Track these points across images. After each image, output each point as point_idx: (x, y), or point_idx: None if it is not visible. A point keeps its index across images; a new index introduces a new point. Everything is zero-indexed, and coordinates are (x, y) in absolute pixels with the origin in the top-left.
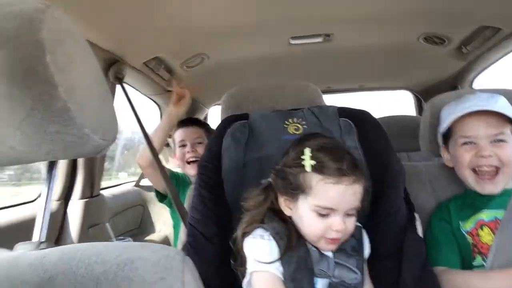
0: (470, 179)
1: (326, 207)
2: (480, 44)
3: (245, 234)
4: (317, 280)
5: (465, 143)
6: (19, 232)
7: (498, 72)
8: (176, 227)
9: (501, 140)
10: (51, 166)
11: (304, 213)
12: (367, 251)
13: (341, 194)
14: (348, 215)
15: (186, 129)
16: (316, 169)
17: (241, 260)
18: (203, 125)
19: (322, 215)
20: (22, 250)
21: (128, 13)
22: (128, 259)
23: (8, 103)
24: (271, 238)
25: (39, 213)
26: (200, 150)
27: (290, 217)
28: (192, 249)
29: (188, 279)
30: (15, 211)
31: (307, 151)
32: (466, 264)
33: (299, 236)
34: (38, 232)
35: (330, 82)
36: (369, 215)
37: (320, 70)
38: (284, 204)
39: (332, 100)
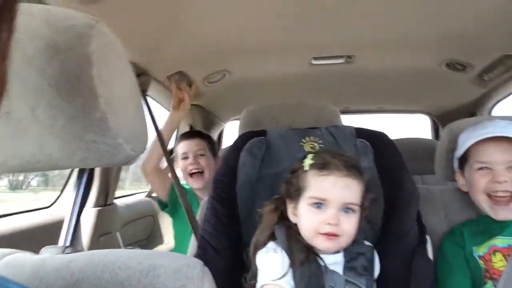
0: (484, 204)
1: (318, 197)
2: (501, 73)
3: (258, 246)
4: None
5: (481, 168)
6: (32, 237)
7: None
8: (178, 237)
9: None
10: (81, 173)
11: (302, 210)
12: (377, 271)
13: (332, 184)
14: (344, 212)
15: (188, 141)
16: (313, 166)
17: (253, 273)
18: (206, 137)
19: (317, 208)
20: (48, 253)
21: (154, 27)
22: (151, 266)
23: (51, 111)
24: (284, 252)
25: (66, 218)
26: (203, 162)
27: (295, 224)
28: (202, 261)
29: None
30: (29, 216)
31: (309, 155)
32: None
33: (309, 250)
34: (63, 237)
35: (349, 103)
36: (380, 235)
37: (340, 91)
38: (291, 212)
39: (349, 120)
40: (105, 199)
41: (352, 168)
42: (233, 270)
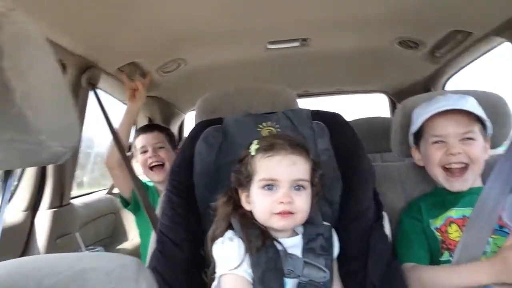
0: (440, 177)
1: (268, 178)
2: (452, 48)
3: (215, 237)
4: (286, 281)
5: (435, 142)
6: None
7: (470, 75)
8: (142, 235)
9: (470, 138)
10: (7, 175)
11: (254, 195)
12: (336, 250)
13: (279, 163)
14: (296, 190)
15: (146, 134)
16: (259, 150)
17: (213, 267)
18: (164, 129)
19: (268, 190)
20: None
21: (101, 17)
22: (81, 270)
23: None
24: (240, 240)
25: None
26: (162, 154)
27: (250, 212)
28: (161, 255)
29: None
30: None
31: (254, 141)
32: (434, 259)
33: (265, 235)
34: None
35: (308, 86)
36: (339, 215)
37: (298, 74)
38: (244, 201)
39: (311, 103)
40: (60, 200)
41: (296, 146)
42: (194, 263)
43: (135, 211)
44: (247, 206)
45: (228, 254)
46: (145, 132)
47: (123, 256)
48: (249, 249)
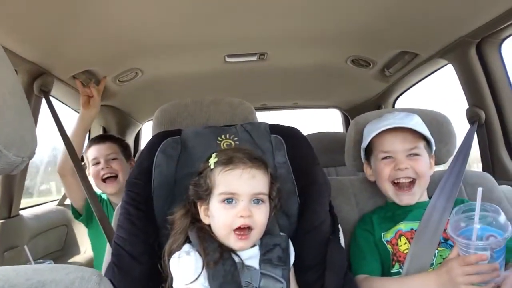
0: (390, 191)
1: (228, 192)
2: (400, 68)
3: (172, 251)
4: None
5: (384, 158)
6: None
7: (418, 94)
8: (95, 248)
9: (416, 154)
10: None
11: (214, 209)
12: (292, 258)
13: (239, 177)
14: (255, 204)
15: (99, 145)
16: (218, 163)
17: (170, 281)
18: (117, 140)
19: (228, 204)
20: None
21: (55, 24)
22: (39, 282)
23: None
24: (197, 253)
25: None
26: (115, 166)
27: (209, 225)
28: (117, 269)
29: None
30: None
31: (213, 154)
32: (386, 271)
33: (222, 248)
34: None
35: (265, 100)
36: (296, 227)
37: (256, 88)
38: (203, 214)
39: (270, 117)
40: (8, 211)
41: (255, 160)
42: (151, 277)
43: (88, 222)
44: (205, 220)
45: (185, 268)
46: (97, 143)
47: (82, 268)
48: (207, 262)
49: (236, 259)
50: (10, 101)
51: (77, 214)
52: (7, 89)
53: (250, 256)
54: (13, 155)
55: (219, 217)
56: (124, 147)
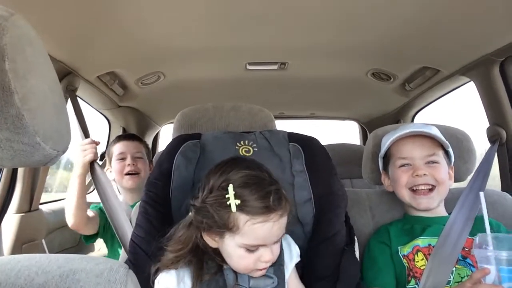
0: (407, 197)
1: (255, 245)
2: (421, 83)
3: (163, 267)
4: None
5: (402, 165)
6: None
7: (438, 110)
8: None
9: (435, 162)
10: None
11: (232, 250)
12: (295, 256)
13: (269, 231)
14: (274, 242)
15: (128, 142)
16: (242, 209)
17: None
18: (143, 141)
19: (250, 252)
20: None
21: (84, 25)
22: (70, 271)
23: None
24: (184, 266)
25: None
26: (140, 164)
27: (216, 249)
28: (133, 266)
29: None
30: None
31: (231, 189)
32: (401, 286)
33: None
34: None
35: (283, 108)
36: (311, 236)
37: (274, 96)
38: (209, 238)
39: (284, 125)
40: (29, 205)
41: (282, 201)
42: None
43: (106, 238)
44: (212, 244)
45: (168, 283)
46: (126, 139)
47: (111, 260)
48: (201, 275)
49: (225, 267)
50: (50, 97)
51: (88, 239)
52: (47, 86)
53: None
54: (50, 148)
55: (240, 260)
56: (148, 149)
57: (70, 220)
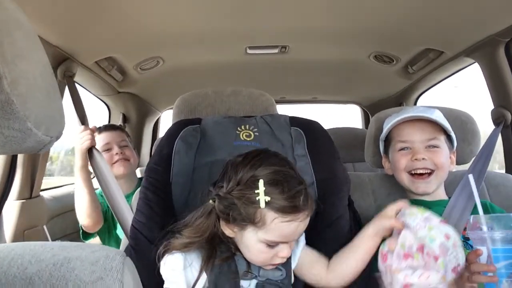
0: (405, 180)
1: (277, 241)
2: (424, 65)
3: (169, 251)
4: (244, 282)
5: (402, 149)
6: None
7: (441, 93)
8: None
9: (435, 146)
10: None
11: (252, 243)
12: (301, 243)
13: (295, 229)
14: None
15: (111, 132)
16: (271, 206)
17: None
18: (124, 130)
19: (270, 247)
20: None
21: (80, 9)
22: (65, 259)
23: None
24: (194, 250)
25: None
26: (128, 152)
27: (232, 238)
28: (134, 252)
29: (127, 279)
30: None
31: (261, 185)
32: None
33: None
34: None
35: (285, 93)
36: (313, 220)
37: (275, 80)
38: (227, 227)
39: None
40: (30, 191)
41: (308, 201)
42: None
43: (107, 230)
44: (229, 233)
45: (174, 264)
46: (108, 130)
47: (107, 248)
48: (211, 259)
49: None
50: (40, 82)
51: (87, 236)
52: (38, 70)
53: None
54: (42, 134)
55: (258, 254)
56: (130, 138)
57: (84, 221)
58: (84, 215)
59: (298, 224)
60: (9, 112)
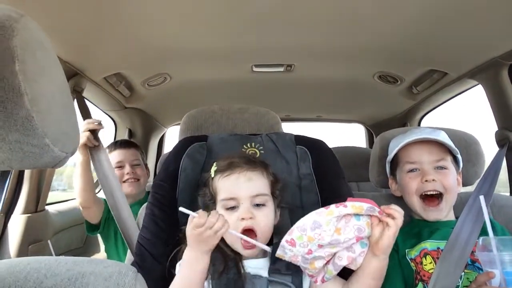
0: (417, 206)
1: (228, 197)
2: (428, 86)
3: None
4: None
5: (411, 170)
6: None
7: (445, 113)
8: (108, 250)
9: (443, 167)
10: (5, 176)
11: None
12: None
13: (236, 182)
14: (256, 206)
15: (124, 150)
16: (216, 171)
17: None
18: (139, 147)
19: (231, 210)
20: None
21: (91, 26)
22: (79, 273)
23: None
24: None
25: None
26: (139, 171)
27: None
28: (139, 268)
29: None
30: None
31: (214, 163)
32: None
33: (227, 258)
34: None
35: (289, 111)
36: None
37: (281, 98)
38: None
39: (290, 128)
40: (35, 205)
41: (251, 162)
42: (170, 276)
43: (106, 234)
44: None
45: None
46: (122, 147)
47: (119, 263)
48: (212, 273)
49: (241, 269)
50: (58, 99)
51: (92, 228)
52: (56, 87)
53: (257, 266)
54: (59, 150)
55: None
56: (143, 155)
57: (78, 199)
58: (76, 193)
59: (237, 176)
60: (29, 128)
